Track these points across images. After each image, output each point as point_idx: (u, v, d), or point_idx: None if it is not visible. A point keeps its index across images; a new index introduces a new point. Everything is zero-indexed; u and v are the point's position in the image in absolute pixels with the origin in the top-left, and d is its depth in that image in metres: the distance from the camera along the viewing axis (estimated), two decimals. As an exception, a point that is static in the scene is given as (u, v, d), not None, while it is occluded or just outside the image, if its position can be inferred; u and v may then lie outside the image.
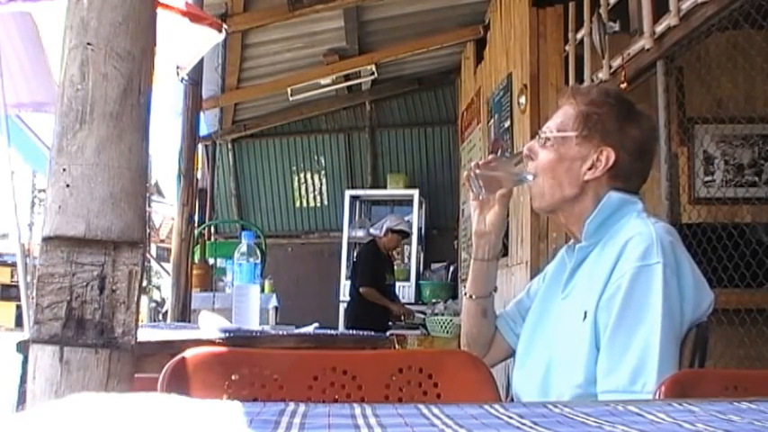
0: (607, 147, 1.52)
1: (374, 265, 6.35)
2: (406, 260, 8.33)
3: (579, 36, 4.33)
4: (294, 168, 8.82)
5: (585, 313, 1.44)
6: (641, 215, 1.50)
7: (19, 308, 7.83)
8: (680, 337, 1.40)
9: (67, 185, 0.95)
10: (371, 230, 6.79)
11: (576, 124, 1.54)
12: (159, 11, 1.18)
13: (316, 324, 2.49)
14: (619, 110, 1.56)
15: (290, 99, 7.53)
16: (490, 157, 1.69)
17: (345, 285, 7.63)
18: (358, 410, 0.72)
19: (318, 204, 8.86)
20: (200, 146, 6.40)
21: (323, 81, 7.29)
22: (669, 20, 3.30)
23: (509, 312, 1.75)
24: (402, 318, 6.40)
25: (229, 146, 8.69)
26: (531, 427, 0.64)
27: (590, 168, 1.52)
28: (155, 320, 8.04)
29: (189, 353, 1.14)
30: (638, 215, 1.50)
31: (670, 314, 1.37)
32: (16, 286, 13.14)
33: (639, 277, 1.38)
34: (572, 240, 1.62)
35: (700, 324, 1.45)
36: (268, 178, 8.86)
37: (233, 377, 1.15)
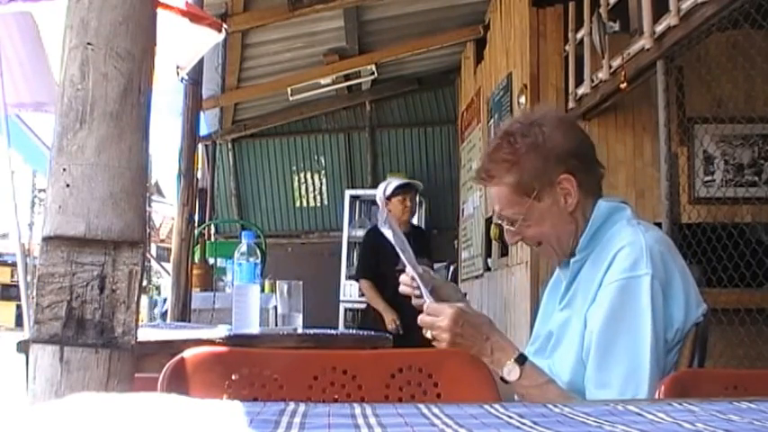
0: (559, 175, 1.51)
1: (368, 253, 5.50)
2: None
3: (579, 36, 4.33)
4: (294, 168, 8.82)
5: (579, 324, 1.45)
6: (631, 222, 1.50)
7: (19, 308, 7.83)
8: (664, 349, 1.40)
9: (67, 185, 0.95)
10: (379, 217, 6.45)
11: (520, 194, 1.52)
12: (159, 11, 1.18)
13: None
14: (528, 145, 1.51)
15: (290, 99, 7.53)
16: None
17: (345, 285, 7.60)
18: (358, 410, 0.72)
19: (318, 204, 8.86)
20: (200, 146, 6.39)
21: (323, 81, 7.29)
22: (669, 20, 3.30)
23: None
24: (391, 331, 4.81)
25: (229, 146, 8.69)
26: (531, 427, 0.64)
27: (566, 202, 1.52)
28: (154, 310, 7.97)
29: (189, 353, 1.14)
30: (628, 222, 1.50)
31: (655, 327, 1.37)
32: (16, 286, 13.14)
33: (627, 289, 1.38)
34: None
35: (699, 324, 1.45)
36: (268, 178, 8.85)
37: (233, 377, 1.15)
